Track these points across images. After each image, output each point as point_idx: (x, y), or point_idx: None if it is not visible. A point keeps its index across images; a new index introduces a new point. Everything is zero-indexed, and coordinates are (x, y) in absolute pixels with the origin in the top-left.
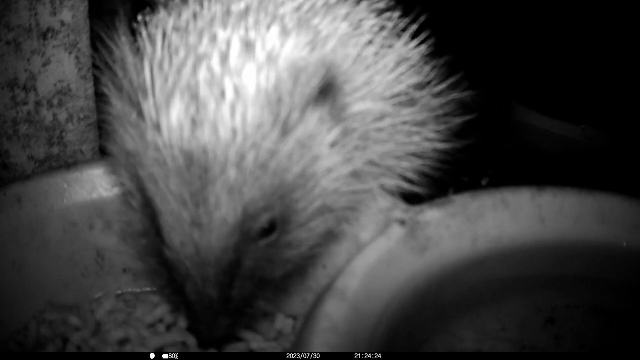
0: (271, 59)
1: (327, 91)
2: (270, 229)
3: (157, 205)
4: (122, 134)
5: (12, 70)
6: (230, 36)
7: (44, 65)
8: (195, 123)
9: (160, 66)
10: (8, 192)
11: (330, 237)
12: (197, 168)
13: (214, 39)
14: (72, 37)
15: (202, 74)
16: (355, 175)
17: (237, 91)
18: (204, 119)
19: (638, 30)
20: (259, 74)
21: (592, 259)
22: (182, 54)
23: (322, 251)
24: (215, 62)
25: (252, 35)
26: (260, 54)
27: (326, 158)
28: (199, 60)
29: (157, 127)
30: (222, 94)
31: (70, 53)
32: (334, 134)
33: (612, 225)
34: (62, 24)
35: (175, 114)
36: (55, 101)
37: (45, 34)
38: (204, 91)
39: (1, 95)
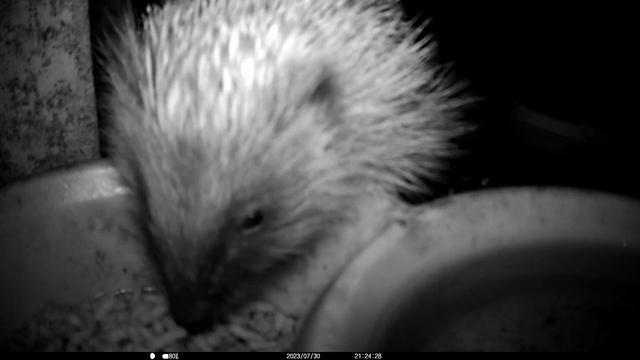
0: (270, 56)
1: (324, 90)
2: (255, 219)
3: (147, 184)
4: (122, 119)
5: (12, 70)
6: (230, 30)
7: (44, 65)
8: (190, 111)
9: (161, 57)
10: (8, 192)
11: (326, 237)
12: (189, 153)
13: (216, 32)
14: (72, 37)
15: (202, 64)
16: (349, 179)
17: (234, 83)
18: (200, 108)
19: (638, 30)
20: (257, 70)
21: (592, 259)
22: (184, 45)
23: (322, 251)
24: (216, 54)
25: (252, 30)
26: (259, 51)
27: (320, 159)
28: (200, 52)
29: (155, 115)
30: (220, 84)
31: (70, 53)
32: (329, 135)
33: (612, 225)
34: (62, 24)
35: (173, 103)
36: (55, 101)
37: (45, 34)
38: (202, 81)
39: (1, 95)
